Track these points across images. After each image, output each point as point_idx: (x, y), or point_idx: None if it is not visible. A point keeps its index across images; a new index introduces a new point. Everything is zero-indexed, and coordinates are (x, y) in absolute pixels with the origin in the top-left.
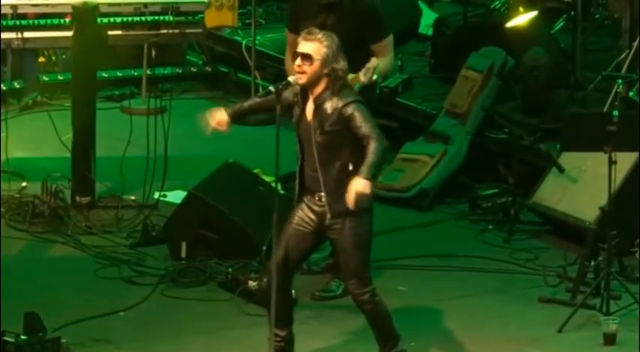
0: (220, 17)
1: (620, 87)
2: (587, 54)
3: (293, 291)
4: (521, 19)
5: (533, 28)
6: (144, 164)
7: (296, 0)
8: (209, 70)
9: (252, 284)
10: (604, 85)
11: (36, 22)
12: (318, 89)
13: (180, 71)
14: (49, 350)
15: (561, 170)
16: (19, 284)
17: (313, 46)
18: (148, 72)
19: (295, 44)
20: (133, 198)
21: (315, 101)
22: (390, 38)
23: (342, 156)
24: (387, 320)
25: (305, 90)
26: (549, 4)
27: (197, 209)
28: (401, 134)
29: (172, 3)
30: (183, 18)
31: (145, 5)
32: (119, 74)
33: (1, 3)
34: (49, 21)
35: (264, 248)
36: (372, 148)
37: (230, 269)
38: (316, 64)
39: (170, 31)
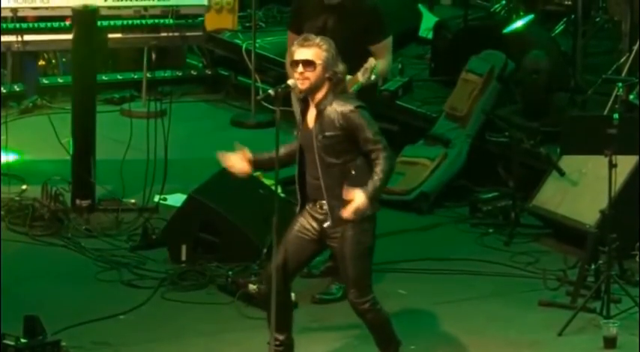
0: (220, 20)
1: (621, 90)
2: (587, 57)
3: (293, 295)
4: (518, 23)
5: (533, 32)
6: (144, 167)
7: (298, 1)
8: (209, 73)
9: (252, 287)
10: (604, 88)
11: (36, 25)
12: (320, 94)
13: (180, 74)
14: None
15: (561, 173)
16: (19, 287)
17: (313, 51)
18: (148, 75)
19: None
20: (133, 201)
21: (317, 106)
22: (390, 39)
23: (344, 162)
24: (388, 326)
25: (305, 98)
26: (549, 7)
27: (197, 212)
28: (401, 137)
29: (172, 6)
30: (183, 21)
31: (145, 8)
32: (119, 77)
33: (1, 6)
34: (49, 24)
35: (265, 251)
36: (382, 166)
37: (230, 273)
38: (319, 68)
39: (170, 34)
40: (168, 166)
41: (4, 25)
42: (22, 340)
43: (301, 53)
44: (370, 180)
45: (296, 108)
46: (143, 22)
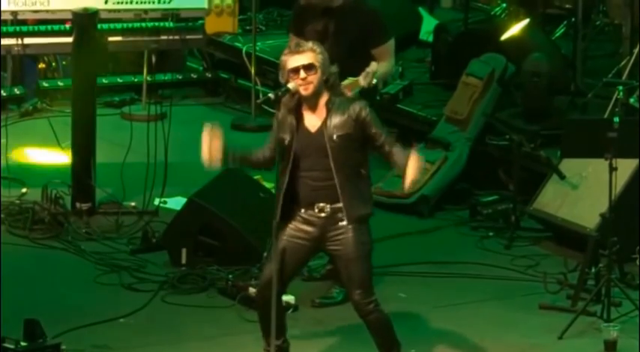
0: (220, 23)
1: (621, 93)
2: (587, 60)
3: (293, 298)
4: (515, 29)
5: (531, 36)
6: (144, 170)
7: (300, 4)
8: (209, 76)
9: (252, 290)
10: (605, 92)
11: (36, 28)
12: (322, 97)
13: (180, 77)
14: None
15: (562, 177)
16: (19, 290)
17: (310, 55)
18: (148, 78)
19: None
20: (133, 204)
21: (326, 107)
22: (391, 43)
23: (355, 161)
24: (390, 328)
25: (298, 107)
26: (550, 10)
27: (197, 215)
28: (401, 140)
29: (173, 9)
30: (183, 24)
31: (145, 11)
32: (119, 80)
33: (1, 9)
34: (49, 27)
35: (265, 254)
36: (400, 148)
37: (230, 276)
38: (319, 71)
39: (170, 37)
40: (169, 169)
41: (4, 28)
42: (22, 343)
43: (299, 59)
44: (402, 152)
45: (279, 115)
46: (143, 25)
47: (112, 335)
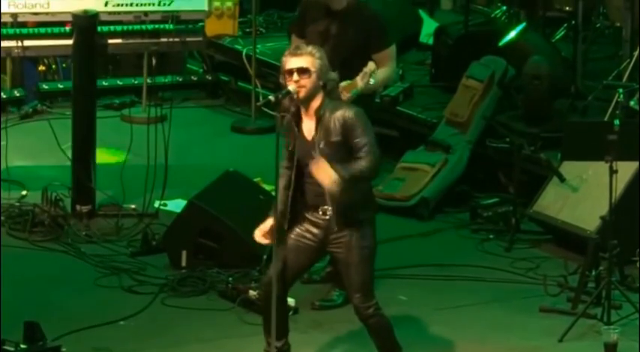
0: (221, 26)
1: (621, 96)
2: (588, 63)
3: (293, 301)
4: (512, 34)
5: (529, 39)
6: (144, 173)
7: (304, 5)
8: (209, 78)
9: (252, 293)
10: (605, 94)
11: (36, 30)
12: (316, 102)
13: (180, 80)
14: None
15: (562, 179)
16: (19, 292)
17: (307, 59)
18: (149, 80)
19: None
20: (133, 206)
21: (316, 114)
22: (392, 49)
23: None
24: (390, 332)
25: (297, 113)
26: (550, 12)
27: (197, 218)
28: (401, 143)
29: (173, 11)
30: (183, 26)
31: (146, 14)
32: (119, 82)
33: (1, 11)
34: (49, 29)
35: (265, 257)
36: (365, 163)
37: (230, 279)
38: (313, 76)
39: (170, 39)
40: (169, 172)
41: (4, 31)
42: (22, 346)
43: (294, 62)
44: (349, 165)
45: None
46: (143, 27)
47: (112, 337)
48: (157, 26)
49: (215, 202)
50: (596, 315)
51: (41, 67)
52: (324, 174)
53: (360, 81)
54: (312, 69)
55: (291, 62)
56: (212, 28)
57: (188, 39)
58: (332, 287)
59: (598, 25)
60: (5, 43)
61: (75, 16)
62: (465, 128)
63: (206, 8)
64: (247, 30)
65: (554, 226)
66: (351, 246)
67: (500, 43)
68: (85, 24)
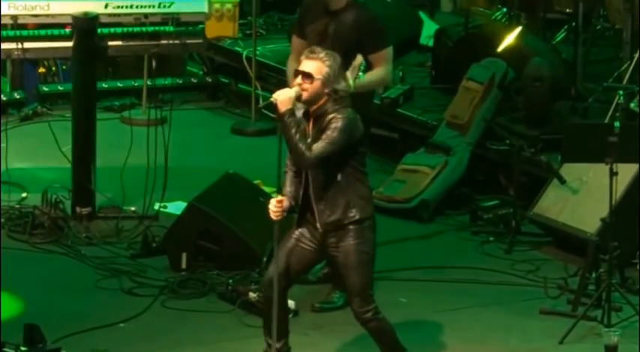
0: (221, 28)
1: (621, 98)
2: (588, 65)
3: (293, 303)
4: (509, 39)
5: (527, 42)
6: (144, 175)
7: (304, 5)
8: (209, 80)
9: (252, 295)
10: (605, 96)
11: (36, 32)
12: (316, 107)
13: (180, 82)
14: None
15: (562, 181)
16: (19, 295)
17: (315, 65)
18: (149, 82)
19: (299, 49)
20: (133, 208)
21: (313, 114)
22: (389, 50)
23: (331, 167)
24: (392, 335)
25: (307, 113)
26: (550, 14)
27: (197, 220)
28: (402, 145)
29: (173, 13)
30: (183, 28)
31: (146, 16)
32: (119, 85)
33: (1, 13)
34: (49, 31)
35: (265, 259)
36: (297, 137)
37: (230, 281)
38: (317, 83)
39: (170, 41)
40: (169, 174)
41: (4, 33)
42: (22, 348)
43: (304, 65)
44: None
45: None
46: (143, 29)
47: (112, 339)
48: (157, 28)
49: (215, 204)
50: (596, 317)
51: (41, 69)
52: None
53: (349, 75)
54: (317, 76)
55: (302, 64)
56: (212, 30)
57: (188, 41)
58: (332, 289)
59: (598, 27)
60: (5, 45)
61: (75, 18)
62: (465, 130)
63: (206, 10)
64: (247, 32)
65: (554, 228)
66: (350, 250)
67: (499, 50)
68: (85, 26)
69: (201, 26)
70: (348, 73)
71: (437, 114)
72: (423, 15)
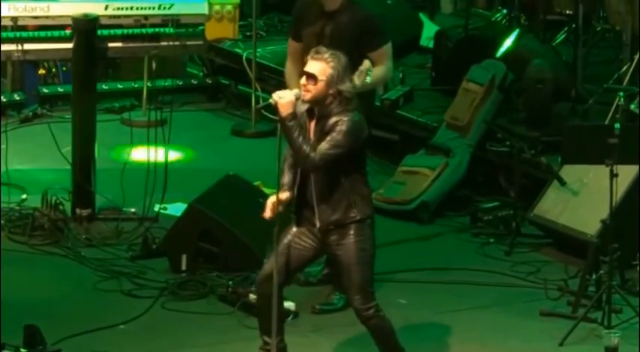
0: (221, 29)
1: (622, 100)
2: (588, 66)
3: (293, 304)
4: (507, 43)
5: (526, 45)
6: (144, 176)
7: (298, 7)
8: (209, 82)
9: (252, 297)
10: (605, 98)
11: (36, 33)
12: (321, 107)
13: (180, 83)
14: None
15: (562, 183)
16: (19, 296)
17: (319, 65)
18: (149, 84)
19: (296, 51)
20: (133, 210)
21: (318, 113)
22: (388, 46)
23: (335, 169)
24: (392, 334)
25: (311, 110)
26: (551, 16)
27: (197, 221)
28: (402, 147)
29: (173, 15)
30: (183, 30)
31: (146, 17)
32: (119, 86)
33: (1, 15)
34: (49, 33)
35: (265, 260)
36: (315, 151)
37: (230, 283)
38: (320, 84)
39: (170, 43)
40: (169, 176)
41: (4, 34)
42: (22, 350)
43: (309, 66)
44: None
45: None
46: (143, 31)
47: (112, 341)
48: (157, 30)
49: (215, 206)
50: (596, 319)
51: (41, 71)
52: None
53: (356, 79)
54: (321, 77)
55: (308, 65)
56: (212, 31)
57: (188, 42)
58: (332, 291)
59: (598, 29)
60: (5, 47)
61: (75, 19)
62: (465, 132)
63: (206, 12)
64: (247, 33)
65: (554, 230)
66: (350, 247)
67: (498, 55)
68: (85, 27)
69: (201, 28)
70: (355, 78)
71: (437, 116)
72: (423, 16)
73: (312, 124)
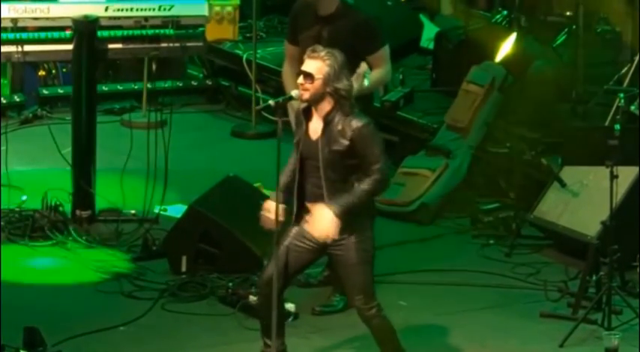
0: (221, 31)
1: (622, 101)
2: (588, 68)
3: (293, 306)
4: (506, 47)
5: (526, 47)
6: (144, 178)
7: (295, 11)
8: (210, 83)
9: (252, 298)
10: (606, 99)
11: (36, 35)
12: (325, 107)
13: (180, 84)
14: None
15: (563, 184)
16: (19, 298)
17: (316, 64)
18: (149, 85)
19: (293, 55)
20: (133, 211)
21: (325, 119)
22: (386, 49)
23: (347, 174)
24: (393, 335)
25: (308, 109)
26: (551, 17)
27: (198, 223)
28: (402, 148)
29: (173, 17)
30: (183, 31)
31: (146, 19)
32: (119, 87)
33: (1, 16)
34: (49, 34)
35: (265, 262)
36: (367, 186)
37: (230, 284)
38: (317, 82)
39: (171, 44)
40: (169, 177)
41: (4, 36)
42: (22, 351)
43: (306, 65)
44: (348, 193)
45: (292, 118)
46: (143, 32)
47: (112, 343)
48: (157, 31)
49: (215, 207)
50: (596, 321)
51: (41, 72)
52: (322, 227)
53: (354, 82)
54: (318, 76)
55: (305, 64)
56: (212, 32)
57: (188, 44)
58: (332, 293)
59: (598, 30)
60: (5, 48)
61: (75, 21)
62: (465, 133)
63: (206, 13)
64: (248, 35)
65: (554, 231)
66: (351, 247)
67: (497, 59)
68: (86, 29)
69: (201, 29)
70: (353, 80)
71: (437, 117)
72: (423, 18)
73: (315, 126)
